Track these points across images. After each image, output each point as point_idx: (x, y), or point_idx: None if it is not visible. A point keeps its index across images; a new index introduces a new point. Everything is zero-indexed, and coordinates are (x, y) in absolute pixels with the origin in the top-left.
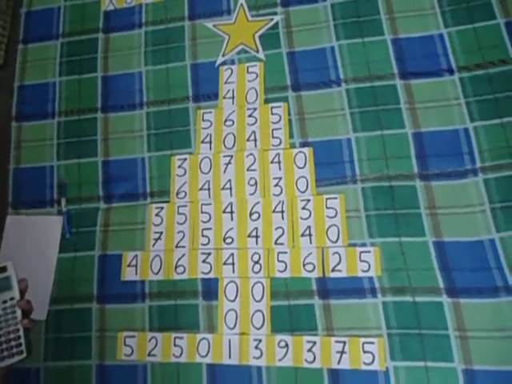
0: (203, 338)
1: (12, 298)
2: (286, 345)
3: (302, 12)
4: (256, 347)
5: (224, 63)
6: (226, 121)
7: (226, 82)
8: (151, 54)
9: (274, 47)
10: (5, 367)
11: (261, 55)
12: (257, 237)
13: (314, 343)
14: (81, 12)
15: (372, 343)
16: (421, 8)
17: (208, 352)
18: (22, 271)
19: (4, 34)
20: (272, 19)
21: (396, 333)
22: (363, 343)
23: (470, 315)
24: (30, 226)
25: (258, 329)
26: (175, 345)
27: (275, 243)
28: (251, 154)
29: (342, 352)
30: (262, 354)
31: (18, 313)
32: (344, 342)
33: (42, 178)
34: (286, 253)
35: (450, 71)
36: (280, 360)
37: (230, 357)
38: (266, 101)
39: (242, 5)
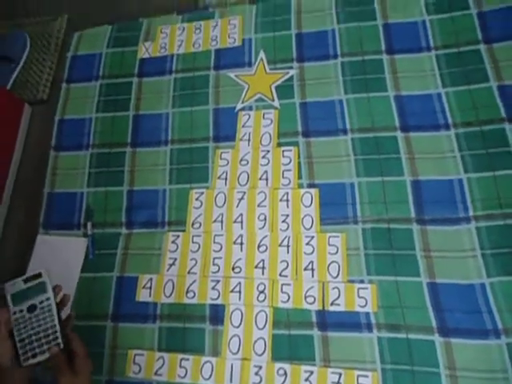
0: (207, 361)
1: (48, 298)
2: (285, 373)
3: (314, 68)
4: (256, 373)
5: (243, 109)
6: (241, 160)
7: (243, 126)
8: (178, 97)
9: (288, 97)
10: (29, 369)
11: (276, 104)
12: (263, 268)
13: (312, 373)
14: (119, 58)
15: (366, 376)
16: (422, 69)
17: (211, 375)
18: None
19: (50, 73)
20: (288, 72)
21: (389, 368)
22: (358, 376)
23: (461, 355)
24: (58, 246)
25: (260, 355)
26: (181, 366)
27: (280, 275)
28: (262, 192)
29: (338, 383)
30: (261, 380)
31: (54, 310)
32: (340, 374)
33: (72, 203)
34: (289, 285)
35: (447, 127)
36: None
37: (231, 381)
38: (279, 144)
39: (262, 59)
